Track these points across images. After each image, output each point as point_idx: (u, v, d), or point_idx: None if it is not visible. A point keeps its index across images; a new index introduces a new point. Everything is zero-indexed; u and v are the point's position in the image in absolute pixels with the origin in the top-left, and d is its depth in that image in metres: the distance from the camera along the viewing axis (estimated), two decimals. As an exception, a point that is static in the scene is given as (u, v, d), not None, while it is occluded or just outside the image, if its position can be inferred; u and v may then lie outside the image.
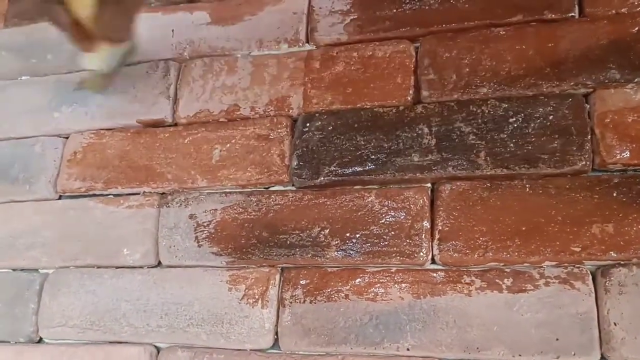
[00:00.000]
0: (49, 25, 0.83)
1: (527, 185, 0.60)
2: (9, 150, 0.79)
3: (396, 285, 0.61)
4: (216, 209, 0.68)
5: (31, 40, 0.84)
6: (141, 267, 0.69)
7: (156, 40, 0.78)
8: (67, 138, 0.77)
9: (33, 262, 0.73)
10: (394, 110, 0.66)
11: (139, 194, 0.72)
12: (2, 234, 0.75)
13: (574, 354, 0.55)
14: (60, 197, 0.76)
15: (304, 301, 0.62)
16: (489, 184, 0.61)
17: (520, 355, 0.56)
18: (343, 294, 0.62)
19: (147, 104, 0.75)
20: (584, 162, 0.59)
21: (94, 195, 0.74)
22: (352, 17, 0.71)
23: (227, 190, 0.69)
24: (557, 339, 0.55)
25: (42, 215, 0.74)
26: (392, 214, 0.62)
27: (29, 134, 0.79)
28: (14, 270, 0.74)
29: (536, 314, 0.57)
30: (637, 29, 0.62)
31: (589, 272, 0.57)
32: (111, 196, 0.73)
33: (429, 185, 0.63)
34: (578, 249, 0.57)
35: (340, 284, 0.62)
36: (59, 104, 0.78)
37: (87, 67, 0.73)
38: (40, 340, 0.71)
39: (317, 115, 0.68)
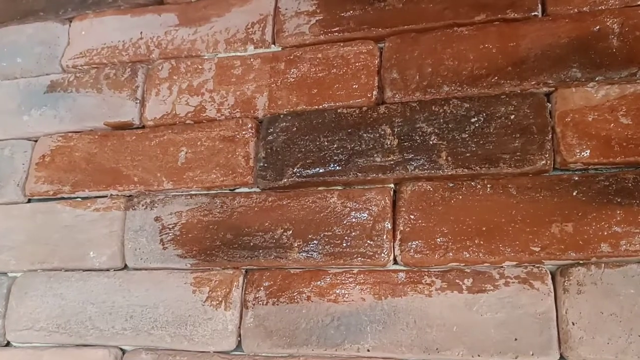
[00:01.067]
0: (20, 28, 0.84)
1: (489, 185, 0.60)
2: (-22, 154, 0.79)
3: (358, 286, 0.61)
4: (181, 211, 0.68)
5: (2, 43, 0.84)
6: (107, 270, 0.69)
7: (125, 42, 0.78)
8: (36, 141, 0.77)
9: (1, 265, 0.73)
10: (357, 111, 0.66)
11: (106, 196, 0.72)
12: (-29, 238, 0.75)
13: (533, 354, 0.54)
14: (29, 201, 0.76)
15: (267, 303, 0.62)
16: (450, 184, 0.61)
17: (479, 356, 0.56)
18: (305, 296, 0.62)
19: (114, 107, 0.75)
20: (544, 162, 0.59)
21: (62, 198, 0.74)
22: (317, 18, 0.71)
23: (193, 192, 0.69)
24: (515, 339, 0.55)
25: (10, 219, 0.74)
26: (354, 214, 0.62)
27: (-1, 138, 0.79)
28: (-18, 274, 0.74)
29: (496, 314, 0.56)
30: (598, 27, 0.61)
31: (548, 271, 0.57)
32: (79, 199, 0.73)
33: (391, 185, 0.63)
34: (538, 249, 0.57)
35: (302, 285, 0.62)
36: (29, 107, 0.78)
37: None
38: (7, 344, 0.71)
39: (282, 116, 0.68)
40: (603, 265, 0.55)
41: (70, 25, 0.82)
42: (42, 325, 0.69)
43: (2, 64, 0.82)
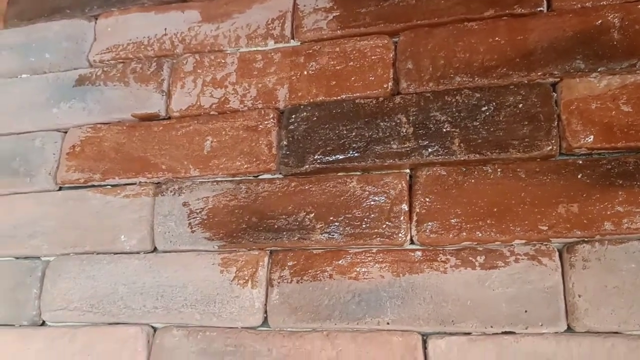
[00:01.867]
0: (47, 25, 0.87)
1: (499, 170, 0.64)
2: (10, 145, 0.82)
3: (377, 265, 0.65)
4: (208, 197, 0.72)
5: (30, 39, 0.87)
6: (137, 252, 0.73)
7: (150, 37, 0.82)
8: (65, 132, 0.81)
9: (35, 250, 0.77)
10: (374, 101, 0.70)
11: (134, 184, 0.76)
12: (4, 225, 0.79)
13: (542, 325, 0.59)
14: (60, 189, 0.79)
15: (291, 281, 0.66)
16: (463, 169, 0.65)
17: (492, 327, 0.60)
18: (327, 274, 0.66)
19: (141, 99, 0.79)
20: (551, 147, 0.63)
21: (92, 186, 0.78)
22: (334, 14, 0.75)
23: (218, 179, 0.73)
24: (526, 312, 0.59)
25: (42, 206, 0.78)
26: (373, 198, 0.66)
27: (29, 129, 0.82)
28: (16, 258, 0.78)
29: (507, 289, 0.60)
30: (600, 21, 0.66)
31: (555, 249, 0.61)
32: (108, 186, 0.77)
33: (407, 171, 0.67)
34: (545, 228, 0.61)
35: (324, 264, 0.66)
36: (58, 100, 0.82)
37: None
38: (43, 323, 0.74)
39: (302, 107, 0.72)
40: (606, 242, 0.60)
41: (96, 22, 0.86)
42: (75, 305, 0.73)
43: (31, 59, 0.86)
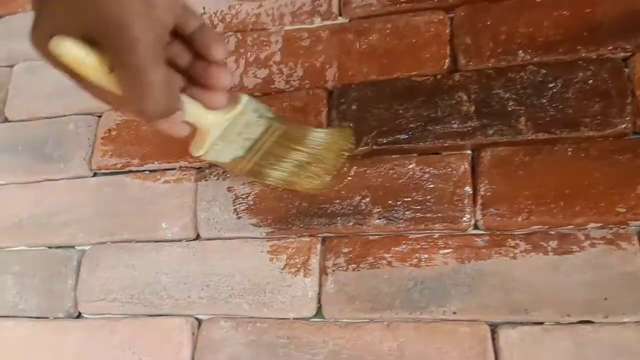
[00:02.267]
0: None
1: (569, 149, 0.60)
2: (42, 129, 0.79)
3: (440, 251, 0.61)
4: (254, 182, 0.68)
5: (61, 21, 0.84)
6: (180, 240, 0.69)
7: (188, 17, 0.78)
8: (100, 117, 0.78)
9: (69, 239, 0.73)
10: (431, 79, 0.66)
11: (175, 168, 0.72)
12: (37, 212, 0.75)
13: (623, 313, 0.55)
14: (95, 174, 0.76)
15: (347, 269, 0.62)
16: (530, 149, 0.61)
17: (569, 316, 0.56)
18: (386, 261, 0.62)
19: (180, 80, 0.75)
20: (625, 125, 0.59)
21: (130, 171, 0.74)
22: (385, -11, 0.71)
23: (265, 162, 0.69)
24: (605, 299, 0.55)
25: (77, 192, 0.75)
26: (434, 180, 0.63)
27: (62, 113, 0.79)
28: (50, 247, 0.74)
29: (583, 275, 0.57)
30: (675, -8, 0.62)
31: (634, 232, 0.57)
32: (147, 172, 0.73)
33: (469, 152, 0.64)
34: (623, 210, 0.57)
35: (383, 251, 0.62)
36: (91, 82, 0.78)
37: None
38: (79, 315, 0.70)
39: (353, 86, 0.69)
40: (691, 224, 0.56)
41: (130, 3, 0.82)
42: (114, 296, 0.69)
43: (62, 41, 0.83)
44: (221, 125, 0.54)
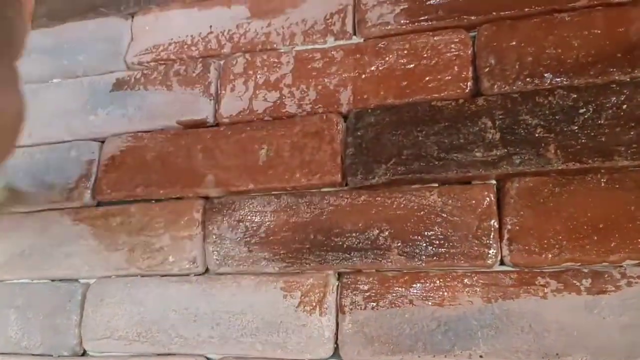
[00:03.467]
0: (80, 25, 0.81)
1: (603, 180, 0.56)
2: (43, 155, 0.76)
3: (464, 289, 0.57)
4: (265, 212, 0.65)
5: (62, 41, 0.81)
6: (188, 274, 0.66)
7: (193, 36, 0.75)
8: (103, 142, 0.74)
9: (73, 271, 0.70)
10: (453, 104, 0.62)
11: (182, 198, 0.69)
12: (40, 243, 0.72)
13: (664, 359, 0.51)
14: (99, 204, 0.73)
15: (365, 308, 0.59)
16: (560, 179, 0.57)
17: (604, 361, 0.52)
18: (407, 300, 0.58)
19: (187, 104, 0.71)
20: (663, 154, 0.55)
21: (135, 201, 0.71)
22: (402, 7, 0.67)
23: (277, 192, 0.66)
24: (644, 343, 0.52)
25: (80, 223, 0.71)
26: (457, 213, 0.59)
27: (64, 139, 0.76)
28: (52, 280, 0.71)
29: (619, 317, 0.53)
30: None
31: (674, 270, 0.53)
32: (153, 201, 0.70)
33: (494, 182, 0.60)
34: (662, 247, 0.53)
35: (403, 288, 0.59)
36: (94, 106, 0.75)
37: None
38: (84, 353, 0.68)
39: (369, 110, 0.65)
40: None
41: (132, 21, 0.79)
42: (121, 334, 0.66)
43: (64, 62, 0.79)
44: None
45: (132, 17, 0.79)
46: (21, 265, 0.72)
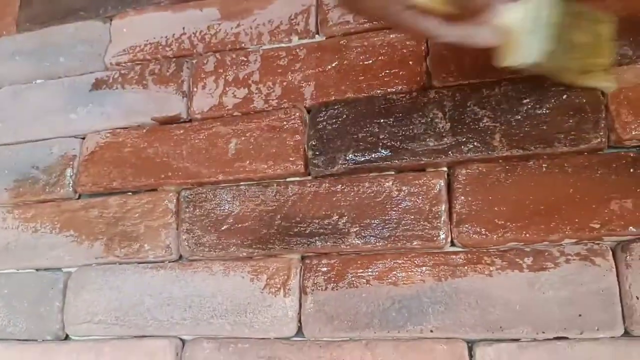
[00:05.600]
0: (61, 28, 0.85)
1: (544, 165, 0.61)
2: (26, 152, 0.80)
3: (417, 269, 0.61)
4: (234, 202, 0.69)
5: (44, 44, 0.85)
6: (162, 262, 0.70)
7: (168, 37, 0.79)
8: (83, 139, 0.78)
9: (56, 261, 0.74)
10: (407, 97, 0.66)
11: (156, 189, 0.73)
12: (25, 235, 0.76)
13: (598, 329, 0.55)
14: (79, 197, 0.77)
15: (326, 288, 0.63)
16: (505, 165, 0.62)
17: (544, 333, 0.56)
18: (364, 280, 0.62)
19: (161, 102, 0.76)
20: (599, 140, 0.59)
21: (112, 193, 0.75)
22: (361, 7, 0.71)
23: (245, 183, 0.70)
24: (580, 315, 0.56)
25: (62, 214, 0.76)
26: (410, 199, 0.63)
27: (46, 136, 0.80)
28: (37, 270, 0.75)
29: (558, 292, 0.57)
30: (647, 5, 0.62)
31: (609, 248, 0.57)
32: (129, 193, 0.74)
33: (445, 169, 0.64)
34: (597, 226, 0.57)
35: (361, 270, 0.63)
36: (75, 105, 0.79)
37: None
38: (66, 338, 0.72)
39: (330, 104, 0.69)
40: (665, 239, 0.56)
41: (111, 24, 0.83)
42: (100, 318, 0.70)
43: (45, 64, 0.83)
44: (526, 18, 0.47)
45: (111, 20, 0.83)
46: (7, 256, 0.76)
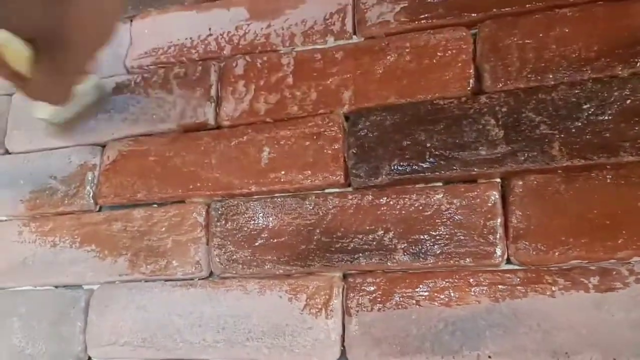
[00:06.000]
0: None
1: (608, 176, 0.56)
2: (44, 162, 0.75)
3: (471, 289, 0.57)
4: (269, 215, 0.64)
5: (60, 46, 0.80)
6: (192, 279, 0.66)
7: (193, 39, 0.74)
8: (104, 147, 0.74)
9: (77, 277, 0.69)
10: (455, 102, 0.62)
11: (184, 201, 0.68)
12: (43, 250, 0.71)
13: (674, 356, 0.51)
14: (100, 209, 0.72)
15: (372, 309, 0.59)
16: (565, 176, 0.57)
17: (614, 359, 0.52)
18: (414, 300, 0.58)
19: (187, 107, 0.71)
20: (668, 148, 0.55)
21: (136, 205, 0.70)
22: (402, 6, 0.67)
23: (280, 194, 0.65)
24: (653, 340, 0.51)
25: (83, 228, 0.71)
26: (462, 212, 0.58)
27: (64, 144, 0.75)
28: (56, 287, 0.71)
29: (629, 314, 0.52)
30: None
31: (683, 266, 0.53)
32: (155, 205, 0.70)
33: (498, 180, 0.59)
34: (670, 242, 0.53)
35: (409, 289, 0.58)
36: (95, 111, 0.75)
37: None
38: (89, 360, 0.67)
39: (371, 110, 0.64)
40: None
41: (131, 24, 0.78)
42: (126, 340, 0.65)
43: (62, 68, 0.79)
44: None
45: (131, 20, 0.79)
46: (24, 272, 0.72)
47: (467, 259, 0.57)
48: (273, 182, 0.65)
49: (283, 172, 0.65)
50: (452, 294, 0.57)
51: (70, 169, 0.74)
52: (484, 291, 0.56)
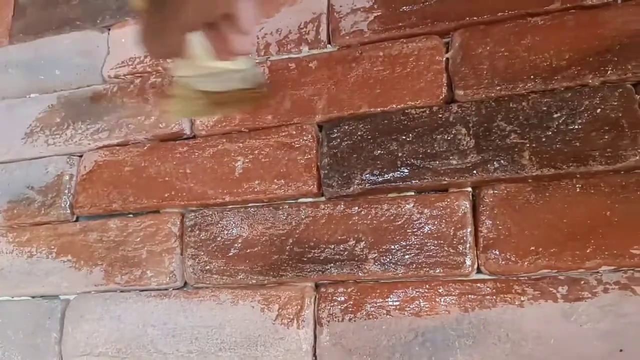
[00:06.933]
0: (56, 39, 0.80)
1: (578, 185, 0.56)
2: (21, 171, 0.75)
3: (441, 299, 0.57)
4: (243, 225, 0.64)
5: (38, 55, 0.80)
6: (166, 289, 0.66)
7: (169, 49, 0.74)
8: (81, 157, 0.74)
9: (53, 288, 0.70)
10: (427, 111, 0.62)
11: (159, 211, 0.69)
12: (20, 260, 0.72)
13: (642, 366, 0.51)
14: (77, 219, 0.72)
15: (343, 319, 0.59)
16: (535, 186, 0.57)
17: (582, 370, 0.52)
18: (384, 310, 0.58)
19: (163, 117, 0.71)
20: (638, 157, 0.54)
21: (112, 215, 0.70)
22: (375, 14, 0.67)
23: (254, 204, 0.65)
24: (621, 350, 0.51)
25: (59, 238, 0.71)
26: (432, 222, 0.58)
27: (41, 154, 0.75)
28: (33, 297, 0.71)
29: (597, 324, 0.52)
30: (687, 10, 0.57)
31: (652, 276, 0.53)
32: (130, 215, 0.70)
33: (469, 189, 0.59)
34: (638, 252, 0.53)
35: (380, 299, 0.58)
36: (71, 121, 0.75)
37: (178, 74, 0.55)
38: (65, 371, 0.67)
39: (344, 120, 0.64)
40: None
41: (109, 34, 0.78)
42: (100, 350, 0.65)
43: (40, 77, 0.79)
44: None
45: (109, 30, 0.79)
46: (0, 283, 0.72)
47: (438, 269, 0.57)
48: (247, 192, 0.65)
49: (257, 182, 0.65)
50: (422, 304, 0.57)
51: (47, 179, 0.74)
52: (454, 301, 0.56)
